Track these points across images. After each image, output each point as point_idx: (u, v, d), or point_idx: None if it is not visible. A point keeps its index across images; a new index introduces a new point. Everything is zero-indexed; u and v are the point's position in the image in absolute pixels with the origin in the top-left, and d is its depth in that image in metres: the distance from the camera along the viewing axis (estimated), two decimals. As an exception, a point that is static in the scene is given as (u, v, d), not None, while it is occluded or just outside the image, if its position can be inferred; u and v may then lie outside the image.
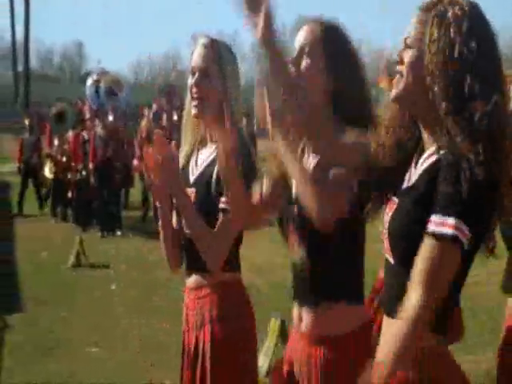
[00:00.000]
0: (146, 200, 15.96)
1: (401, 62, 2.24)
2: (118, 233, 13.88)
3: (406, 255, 2.15)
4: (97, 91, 19.08)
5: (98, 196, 14.20)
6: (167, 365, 6.45)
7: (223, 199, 3.10)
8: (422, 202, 2.14)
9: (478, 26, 2.15)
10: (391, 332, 2.12)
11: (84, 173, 14.53)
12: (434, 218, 2.08)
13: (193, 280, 3.27)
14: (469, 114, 2.08)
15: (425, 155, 2.23)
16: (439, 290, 2.08)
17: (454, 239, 2.05)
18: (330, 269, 2.62)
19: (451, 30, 2.13)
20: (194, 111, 3.19)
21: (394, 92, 2.24)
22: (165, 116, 16.54)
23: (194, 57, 3.21)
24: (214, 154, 3.17)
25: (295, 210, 2.65)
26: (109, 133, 14.15)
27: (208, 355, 3.12)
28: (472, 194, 2.04)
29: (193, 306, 3.26)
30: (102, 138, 14.07)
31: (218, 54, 3.18)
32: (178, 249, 3.31)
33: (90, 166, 14.12)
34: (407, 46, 2.22)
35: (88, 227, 14.24)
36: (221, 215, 3.10)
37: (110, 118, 14.66)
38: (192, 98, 3.18)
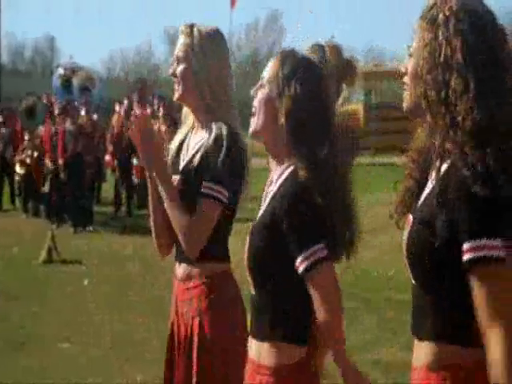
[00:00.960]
0: (118, 195, 15.91)
1: (406, 72, 2.23)
2: (90, 228, 13.81)
3: (424, 277, 2.15)
4: (66, 86, 18.97)
5: (69, 191, 14.11)
6: (139, 360, 6.43)
7: (206, 184, 3.09)
8: (427, 220, 2.13)
9: (467, 24, 2.12)
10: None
11: (54, 167, 14.46)
12: (466, 245, 2.05)
13: (182, 270, 3.24)
14: (452, 116, 2.07)
15: (433, 168, 2.20)
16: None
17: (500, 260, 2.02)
18: (271, 307, 2.59)
19: (439, 33, 2.12)
20: (175, 96, 3.27)
21: (404, 105, 2.24)
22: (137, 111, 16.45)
23: (177, 45, 3.28)
24: (202, 140, 3.18)
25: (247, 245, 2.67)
26: (78, 127, 14.08)
27: (196, 346, 3.11)
28: (473, 210, 2.03)
29: (182, 297, 3.23)
30: (72, 133, 13.99)
31: (195, 40, 3.21)
32: (168, 233, 3.23)
33: (60, 161, 14.02)
34: (410, 56, 2.22)
35: (60, 223, 14.16)
36: (201, 200, 3.10)
37: (83, 112, 14.58)
38: (174, 84, 3.26)
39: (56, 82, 19.40)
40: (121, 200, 15.95)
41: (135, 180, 15.29)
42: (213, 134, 3.13)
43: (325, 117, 2.62)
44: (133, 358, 6.60)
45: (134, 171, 15.30)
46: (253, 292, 2.65)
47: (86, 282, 9.59)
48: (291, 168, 2.58)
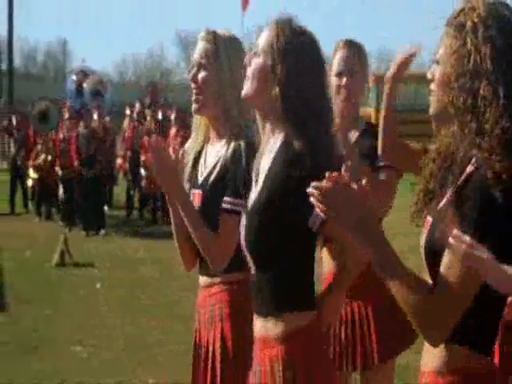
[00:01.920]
0: (129, 199, 15.95)
1: (432, 78, 2.23)
2: (102, 231, 13.82)
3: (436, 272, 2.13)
4: (79, 91, 19.02)
5: (85, 194, 14.12)
6: (152, 363, 6.43)
7: (227, 199, 3.06)
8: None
9: (495, 30, 2.10)
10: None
11: (60, 172, 14.51)
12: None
13: (204, 278, 3.23)
14: (480, 123, 2.06)
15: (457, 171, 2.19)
16: (458, 301, 2.05)
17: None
18: (275, 282, 2.59)
19: (467, 40, 2.11)
20: (194, 107, 3.20)
21: (430, 111, 2.24)
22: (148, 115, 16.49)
23: (195, 51, 3.22)
24: (220, 153, 3.15)
25: (243, 221, 2.67)
26: (91, 131, 14.12)
27: (218, 353, 3.10)
28: (486, 210, 2.02)
29: (203, 304, 3.22)
30: (85, 137, 14.02)
31: (215, 47, 3.16)
32: (192, 246, 3.20)
33: (75, 163, 14.04)
34: (436, 62, 2.21)
35: (73, 226, 14.19)
36: (223, 216, 3.06)
37: (95, 116, 14.60)
38: (193, 93, 3.20)
39: (70, 86, 19.45)
40: (133, 203, 15.99)
41: (145, 189, 15.32)
42: (231, 147, 3.09)
43: (321, 91, 2.60)
44: (145, 361, 6.61)
45: (142, 182, 15.31)
46: (253, 272, 2.64)
47: (98, 286, 9.60)
48: (282, 140, 2.58)
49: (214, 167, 3.15)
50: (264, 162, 2.64)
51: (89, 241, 13.21)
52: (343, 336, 3.80)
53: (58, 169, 14.72)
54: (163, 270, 10.47)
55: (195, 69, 3.20)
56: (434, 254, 2.15)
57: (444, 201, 2.20)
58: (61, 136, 14.65)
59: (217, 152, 3.18)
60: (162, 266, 10.81)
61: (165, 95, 18.93)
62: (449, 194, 2.19)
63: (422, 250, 2.21)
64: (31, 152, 16.11)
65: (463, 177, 2.13)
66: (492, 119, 2.05)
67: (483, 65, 2.08)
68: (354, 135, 3.84)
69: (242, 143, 3.06)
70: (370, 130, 3.80)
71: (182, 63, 63.54)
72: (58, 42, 67.00)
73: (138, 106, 17.06)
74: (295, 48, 2.58)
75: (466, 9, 2.15)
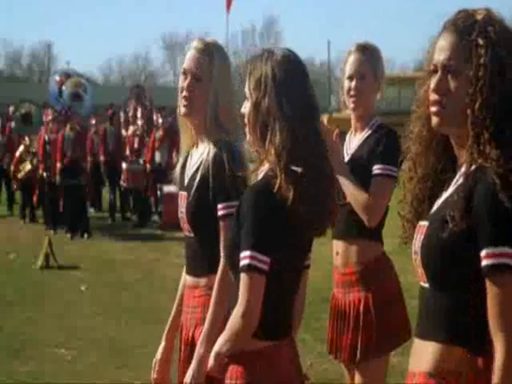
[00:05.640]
0: (111, 201, 15.91)
1: (444, 91, 2.17)
2: (87, 234, 13.76)
3: (441, 277, 2.14)
4: (60, 93, 18.98)
5: (65, 196, 14.06)
6: (137, 366, 6.42)
7: (221, 205, 3.07)
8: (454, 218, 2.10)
9: None
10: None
11: (45, 174, 14.44)
12: (486, 250, 2.05)
13: (190, 279, 3.26)
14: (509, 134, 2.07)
15: (458, 175, 2.19)
16: None
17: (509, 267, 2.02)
18: None
19: (494, 55, 2.10)
20: (182, 110, 3.21)
21: (435, 120, 2.20)
22: (122, 118, 16.44)
23: (187, 59, 3.22)
24: (202, 158, 3.17)
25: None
26: (77, 134, 14.07)
27: None
28: (502, 218, 2.03)
29: (187, 304, 3.25)
30: (71, 139, 13.96)
31: (211, 59, 3.18)
32: None
33: (58, 165, 13.94)
34: (454, 74, 2.16)
35: (57, 228, 14.13)
36: (221, 223, 3.06)
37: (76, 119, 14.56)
38: (182, 98, 3.21)
39: (53, 87, 19.38)
40: (114, 205, 15.95)
41: (123, 184, 15.30)
42: (211, 152, 3.11)
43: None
44: (130, 363, 6.60)
45: (122, 176, 15.31)
46: None
47: (83, 288, 9.58)
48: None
49: (197, 171, 3.17)
50: None
51: (73, 243, 13.17)
52: (336, 326, 3.83)
53: (42, 171, 14.61)
54: (147, 273, 10.46)
55: (189, 78, 3.20)
56: (431, 250, 2.15)
57: (440, 202, 2.21)
58: (45, 138, 14.55)
59: (198, 156, 3.21)
60: (146, 268, 10.80)
61: (150, 97, 18.88)
62: (445, 196, 2.20)
63: (418, 254, 2.20)
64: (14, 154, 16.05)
65: (462, 172, 2.14)
66: None
67: None
68: (364, 134, 3.87)
69: (223, 147, 3.08)
70: (381, 131, 3.82)
71: (167, 65, 63.57)
72: (42, 44, 66.73)
73: (110, 111, 16.84)
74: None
75: (481, 21, 2.14)
